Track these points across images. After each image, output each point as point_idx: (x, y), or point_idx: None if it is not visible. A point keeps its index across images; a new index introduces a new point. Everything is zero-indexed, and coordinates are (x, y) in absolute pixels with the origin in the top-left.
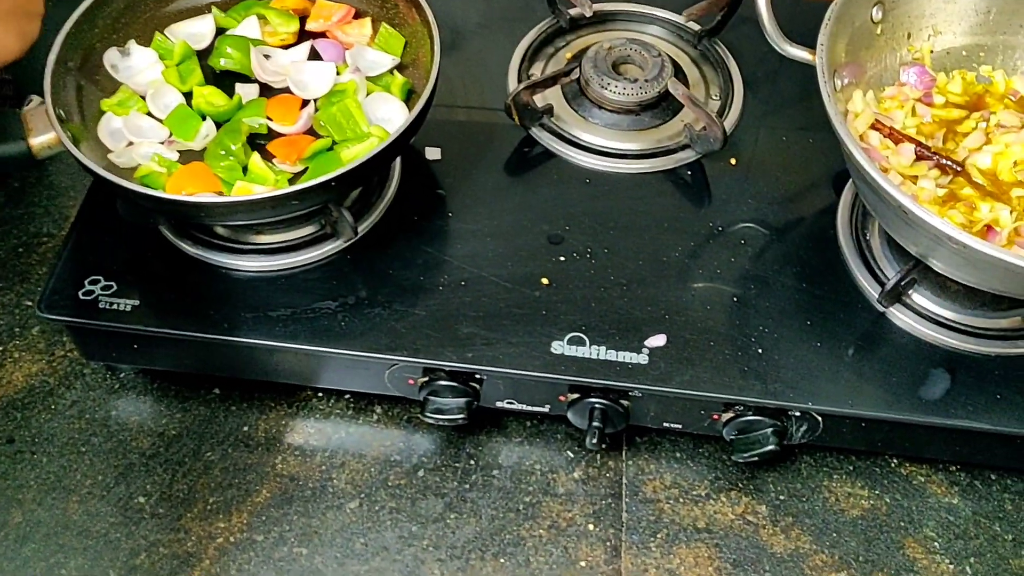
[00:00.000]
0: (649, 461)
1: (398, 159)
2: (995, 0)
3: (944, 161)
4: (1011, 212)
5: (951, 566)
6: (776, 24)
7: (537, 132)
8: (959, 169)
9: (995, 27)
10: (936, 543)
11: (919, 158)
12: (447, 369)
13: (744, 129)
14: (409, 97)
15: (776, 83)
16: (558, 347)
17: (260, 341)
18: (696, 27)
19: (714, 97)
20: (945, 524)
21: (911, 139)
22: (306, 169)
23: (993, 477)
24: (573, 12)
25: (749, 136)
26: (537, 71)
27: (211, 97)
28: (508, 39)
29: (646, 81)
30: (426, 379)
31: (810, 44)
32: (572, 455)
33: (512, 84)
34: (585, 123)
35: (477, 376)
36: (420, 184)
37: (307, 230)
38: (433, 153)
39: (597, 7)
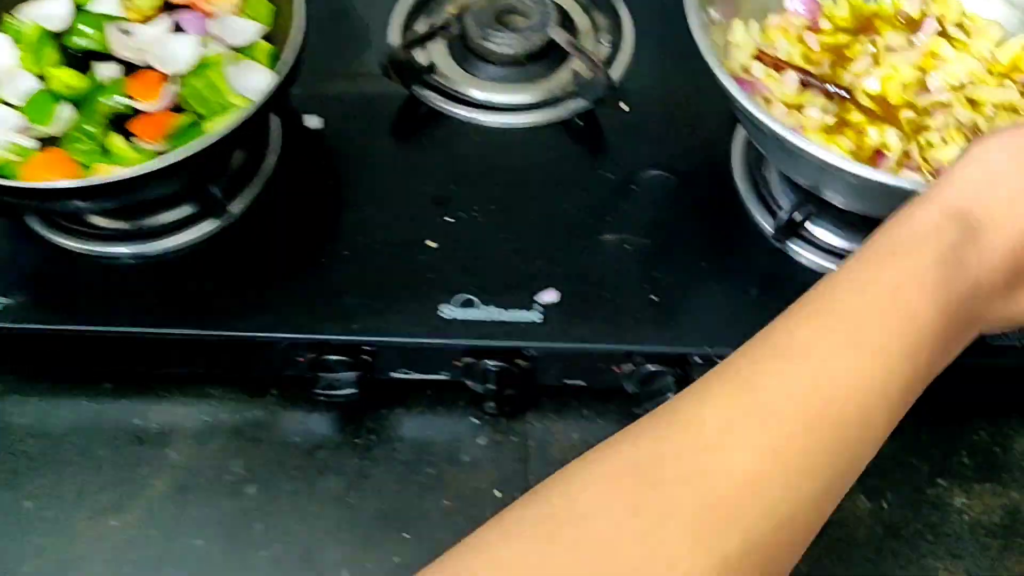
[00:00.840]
0: (556, 421)
1: (279, 130)
2: None
3: (830, 88)
4: (899, 135)
5: (869, 503)
6: None
7: (420, 91)
8: (846, 95)
9: None
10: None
11: (805, 86)
12: (334, 343)
13: (636, 73)
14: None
15: (668, 24)
16: (447, 311)
17: (140, 329)
18: None
19: (604, 43)
20: None
21: (795, 67)
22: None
23: (909, 410)
24: None
25: (642, 80)
26: (421, 28)
27: (66, 79)
28: None
29: (530, 30)
30: (314, 355)
31: None
32: (477, 421)
33: (394, 41)
34: (471, 78)
35: (366, 347)
36: (302, 155)
37: (182, 211)
38: (314, 122)
39: None
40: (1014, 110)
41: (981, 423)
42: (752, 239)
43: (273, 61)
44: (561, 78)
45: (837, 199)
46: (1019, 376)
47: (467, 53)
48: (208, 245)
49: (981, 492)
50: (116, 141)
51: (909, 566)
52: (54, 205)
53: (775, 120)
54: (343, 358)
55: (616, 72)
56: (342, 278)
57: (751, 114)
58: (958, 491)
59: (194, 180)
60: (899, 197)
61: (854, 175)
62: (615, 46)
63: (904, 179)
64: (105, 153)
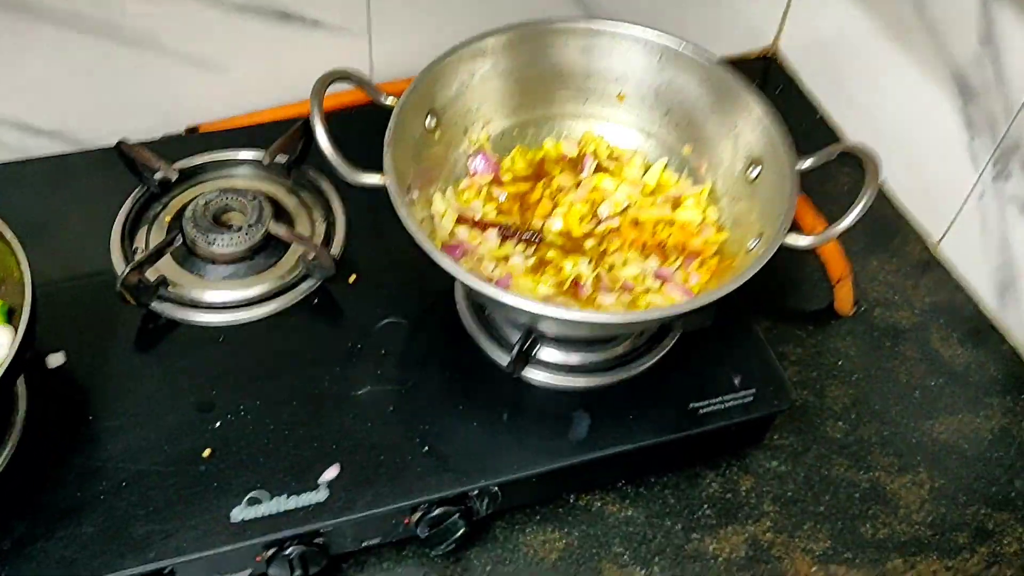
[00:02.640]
0: None
1: (20, 381)
2: (521, 86)
3: (525, 235)
4: (589, 262)
5: (643, 571)
6: (342, 159)
7: (157, 305)
8: (538, 239)
9: (532, 105)
10: (625, 556)
11: (504, 238)
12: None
13: (355, 244)
14: (11, 317)
15: (371, 192)
16: (238, 513)
17: None
18: (282, 159)
19: (318, 220)
20: (627, 536)
21: (492, 223)
22: None
23: (653, 480)
24: (159, 176)
25: (361, 249)
26: (141, 242)
27: None
28: (103, 216)
29: (249, 227)
30: None
31: (376, 162)
32: None
33: (118, 263)
34: (203, 281)
35: (166, 571)
36: (51, 396)
37: None
38: (56, 359)
39: (180, 164)
40: (671, 223)
41: (710, 476)
42: (493, 374)
43: (5, 315)
44: (288, 262)
45: (551, 331)
46: (725, 433)
47: (192, 258)
48: None
49: (726, 534)
50: None
51: None
52: None
53: (479, 281)
54: None
55: (336, 248)
56: (126, 509)
57: (467, 283)
58: (709, 539)
59: None
60: (593, 327)
61: (553, 317)
62: (329, 222)
63: (590, 312)
64: None
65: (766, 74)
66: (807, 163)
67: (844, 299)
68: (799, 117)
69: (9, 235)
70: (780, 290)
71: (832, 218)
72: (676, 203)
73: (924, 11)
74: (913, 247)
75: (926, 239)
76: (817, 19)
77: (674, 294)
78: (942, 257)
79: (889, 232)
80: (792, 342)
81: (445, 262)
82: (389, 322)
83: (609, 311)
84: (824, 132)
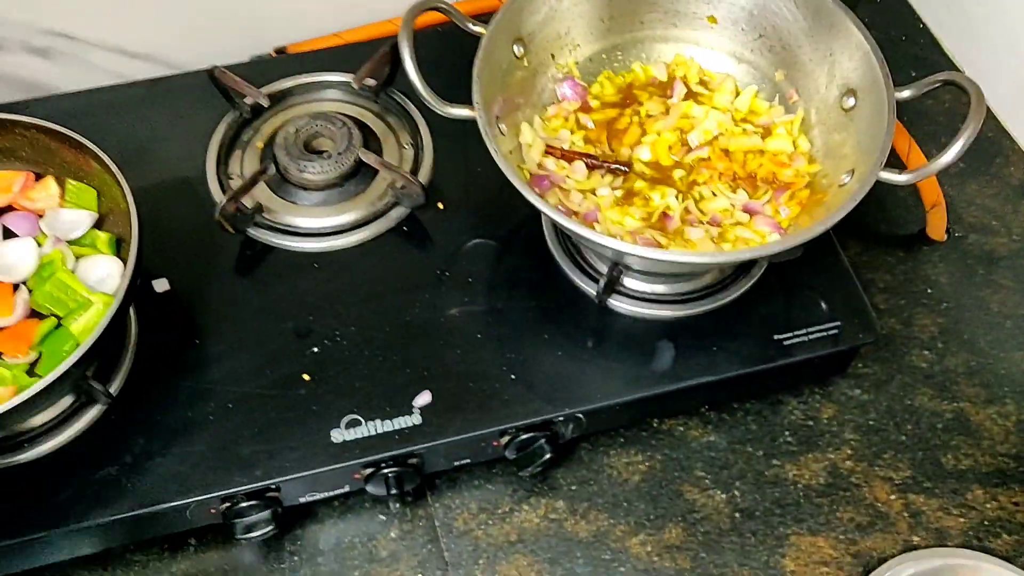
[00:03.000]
0: (453, 497)
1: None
2: (610, 9)
3: (613, 166)
4: (678, 194)
5: (723, 495)
6: (431, 90)
7: (254, 232)
8: (627, 169)
9: (621, 28)
10: (707, 479)
11: (591, 169)
12: (242, 492)
13: (442, 170)
14: (119, 247)
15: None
16: (337, 435)
17: (53, 530)
18: (371, 83)
19: (406, 146)
20: (709, 460)
21: (579, 154)
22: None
23: (736, 406)
24: (249, 102)
25: (448, 176)
26: (235, 166)
27: None
28: (197, 141)
29: (339, 154)
30: (226, 506)
31: (464, 86)
32: (384, 517)
33: (214, 189)
34: (297, 208)
35: (272, 486)
36: (158, 320)
37: (63, 406)
38: (161, 285)
39: (270, 89)
40: (761, 153)
41: (792, 403)
42: (579, 303)
43: (114, 246)
44: (378, 189)
45: (637, 266)
46: (808, 364)
47: (286, 185)
48: (95, 431)
49: (806, 461)
50: None
51: (767, 540)
52: None
53: (570, 220)
54: (253, 502)
55: (424, 175)
56: (233, 430)
57: (555, 219)
58: (789, 465)
59: (75, 382)
60: (680, 264)
61: (637, 256)
62: (416, 148)
63: (677, 252)
64: None
65: None
66: (906, 93)
67: (937, 225)
68: (901, 30)
69: (114, 168)
70: (870, 215)
71: (929, 139)
72: (767, 132)
73: None
74: (1016, 169)
75: None
76: None
77: (763, 229)
78: None
79: (990, 152)
80: (881, 269)
81: (534, 199)
82: (476, 248)
83: (696, 249)
84: (928, 46)
